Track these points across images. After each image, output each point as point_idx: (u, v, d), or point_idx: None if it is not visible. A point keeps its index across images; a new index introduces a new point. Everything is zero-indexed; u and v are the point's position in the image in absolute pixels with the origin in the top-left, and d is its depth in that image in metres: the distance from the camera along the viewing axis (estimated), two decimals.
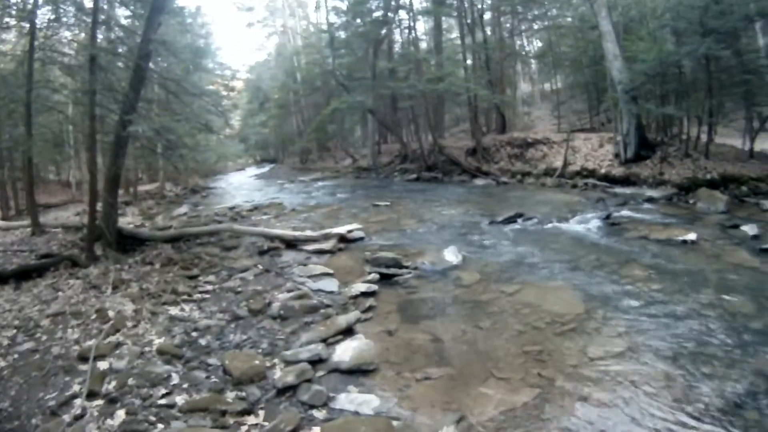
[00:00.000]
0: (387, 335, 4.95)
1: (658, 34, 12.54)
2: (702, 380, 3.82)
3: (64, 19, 10.55)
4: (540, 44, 26.35)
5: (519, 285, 5.97)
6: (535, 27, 24.94)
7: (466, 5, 19.70)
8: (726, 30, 11.06)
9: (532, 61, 28.27)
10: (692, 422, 3.33)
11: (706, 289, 5.60)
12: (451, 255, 7.20)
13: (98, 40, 8.96)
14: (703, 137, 12.38)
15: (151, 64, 9.06)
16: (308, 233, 8.64)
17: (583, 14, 18.44)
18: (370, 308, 5.62)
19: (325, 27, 22.61)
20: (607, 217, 8.95)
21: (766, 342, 4.38)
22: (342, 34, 21.75)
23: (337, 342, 4.72)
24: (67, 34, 12.18)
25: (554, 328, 4.76)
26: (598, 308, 5.14)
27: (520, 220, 9.29)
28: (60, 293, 6.31)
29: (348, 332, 4.95)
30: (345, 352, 4.45)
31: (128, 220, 12.21)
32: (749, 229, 7.83)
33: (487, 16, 22.82)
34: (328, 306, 5.67)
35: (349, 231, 8.63)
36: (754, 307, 5.13)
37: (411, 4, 20.33)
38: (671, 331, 4.62)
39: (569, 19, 21.47)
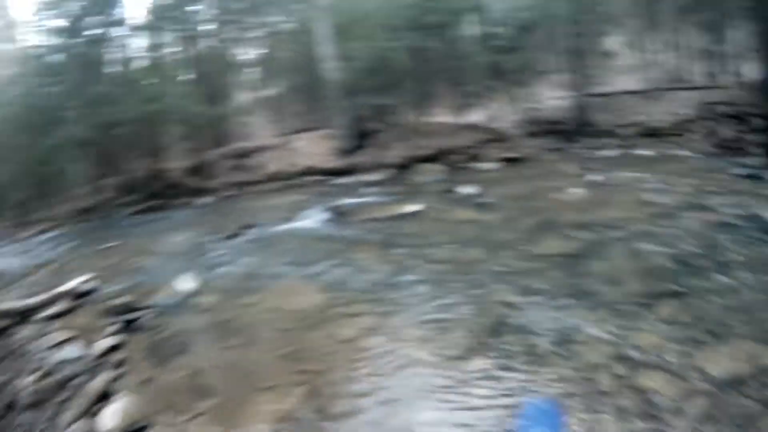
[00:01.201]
0: (147, 385, 4.49)
1: (373, 32, 13.43)
2: (451, 329, 4.34)
3: None
4: (260, 51, 26.04)
5: (259, 294, 5.88)
6: (254, 35, 24.48)
7: (186, 17, 18.92)
8: (436, 24, 12.15)
9: (252, 68, 27.85)
10: (448, 365, 3.83)
11: (437, 249, 6.27)
12: (187, 282, 6.76)
13: None
14: (418, 119, 13.40)
15: None
16: (39, 298, 7.30)
17: (302, 18, 18.73)
18: (121, 362, 5.01)
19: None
20: (335, 208, 8.81)
21: (499, 278, 5.30)
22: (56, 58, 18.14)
23: (100, 410, 4.12)
24: None
25: (302, 324, 4.81)
26: (339, 294, 5.33)
27: (250, 230, 8.95)
28: None
29: (106, 396, 4.34)
30: (111, 419, 3.92)
31: None
32: (465, 189, 9.17)
33: (208, 27, 21.77)
34: (78, 375, 4.88)
35: (81, 283, 7.51)
36: (483, 251, 6.07)
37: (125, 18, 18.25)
38: (412, 293, 5.07)
39: (289, 25, 21.69)
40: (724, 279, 5.50)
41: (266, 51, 23.59)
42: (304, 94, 21.17)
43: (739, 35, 21.14)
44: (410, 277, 5.47)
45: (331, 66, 13.15)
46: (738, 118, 14.75)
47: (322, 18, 13.48)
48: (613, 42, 24.33)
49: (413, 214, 7.70)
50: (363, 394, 3.59)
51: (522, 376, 3.74)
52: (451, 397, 3.53)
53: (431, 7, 12.19)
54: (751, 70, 18.96)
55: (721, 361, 4.06)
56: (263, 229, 9.03)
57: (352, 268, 5.92)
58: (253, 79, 30.20)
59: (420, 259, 5.96)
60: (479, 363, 3.89)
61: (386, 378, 3.74)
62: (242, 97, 28.70)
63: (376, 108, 14.58)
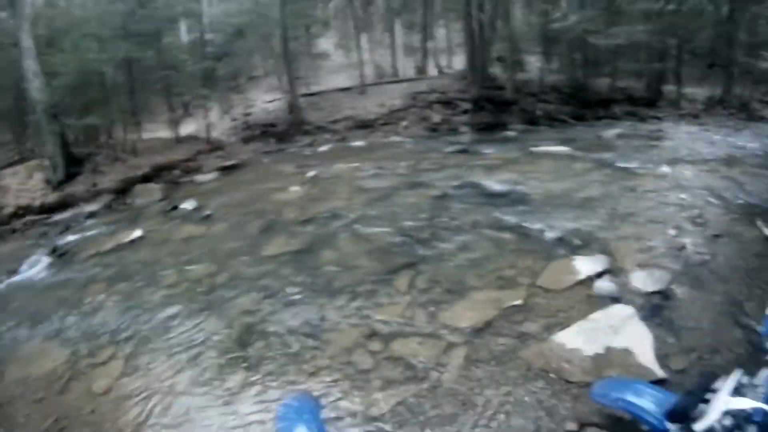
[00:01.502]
0: None
1: (81, 43, 11.90)
2: (202, 351, 4.33)
3: None
4: None
5: (2, 366, 4.91)
6: None
7: None
8: (149, 32, 11.34)
9: None
10: (207, 389, 3.84)
11: (169, 270, 6.14)
12: None
13: None
14: (132, 137, 12.66)
15: None
16: None
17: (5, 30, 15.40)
18: None
19: None
20: (54, 250, 7.90)
21: (236, 287, 5.42)
22: None
23: None
24: None
25: (55, 389, 4.26)
26: (82, 344, 4.84)
27: None
28: None
29: None
30: None
31: None
32: (188, 204, 8.93)
33: None
34: None
35: None
36: (214, 264, 6.12)
37: None
38: (154, 324, 4.93)
39: None
40: (450, 242, 6.03)
41: None
42: (8, 120, 17.95)
43: (445, 32, 24.98)
44: (148, 308, 5.25)
45: (36, 84, 11.45)
46: (447, 103, 17.10)
47: (26, 29, 11.56)
48: (325, 43, 26.32)
49: (139, 239, 7.37)
50: None
51: (282, 378, 3.82)
52: (217, 419, 3.50)
53: (144, 14, 11.49)
54: (458, 62, 22.30)
55: (465, 314, 4.45)
56: None
57: (87, 313, 5.42)
58: None
59: (153, 286, 5.74)
60: (237, 378, 3.88)
61: (153, 418, 3.60)
62: None
63: (85, 129, 13.16)
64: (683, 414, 1.78)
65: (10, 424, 3.98)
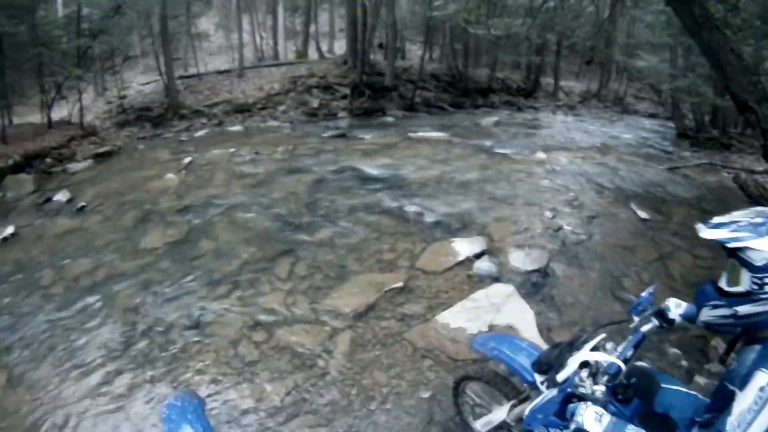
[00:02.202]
0: None
1: None
2: (82, 354, 4.15)
3: None
4: None
5: None
6: None
7: None
8: (22, 4, 10.44)
9: None
10: (93, 394, 3.66)
11: (44, 271, 5.89)
12: None
13: None
14: (1, 122, 11.77)
15: None
16: None
17: None
18: None
19: None
20: None
21: (114, 283, 5.24)
22: None
23: None
24: None
25: None
26: None
27: None
28: None
29: None
30: None
31: None
32: (62, 196, 8.55)
33: None
34: None
35: None
36: (90, 260, 5.92)
37: None
38: (32, 331, 4.66)
39: None
40: (329, 227, 6.02)
41: None
42: None
43: (328, 17, 24.80)
44: (26, 312, 5.01)
45: None
46: (326, 88, 17.53)
47: None
48: (206, 23, 25.16)
49: (11, 236, 7.01)
50: None
51: (168, 377, 3.72)
52: (115, 424, 3.37)
53: None
54: (339, 48, 22.02)
55: (347, 299, 4.45)
56: None
57: None
58: None
59: (28, 289, 5.47)
60: (123, 380, 3.77)
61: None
62: None
63: None
64: (547, 365, 1.99)
65: None
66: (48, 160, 10.84)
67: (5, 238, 7.05)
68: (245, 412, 3.33)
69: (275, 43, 22.69)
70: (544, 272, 4.68)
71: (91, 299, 5.06)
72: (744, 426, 1.37)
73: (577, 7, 19.95)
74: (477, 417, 2.73)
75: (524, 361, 2.33)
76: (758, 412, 1.35)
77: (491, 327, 3.78)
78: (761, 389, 1.37)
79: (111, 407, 3.51)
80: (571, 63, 25.50)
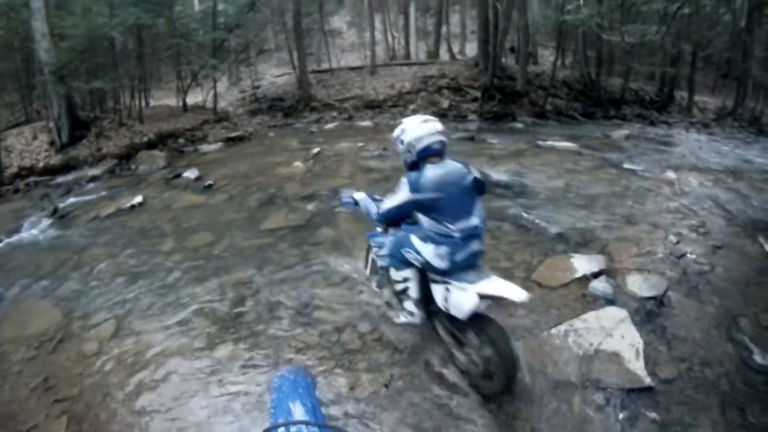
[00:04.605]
0: None
1: (92, 6, 11.74)
2: (194, 320, 4.28)
3: None
4: None
5: None
6: None
7: None
8: (160, 0, 11.31)
9: None
10: (198, 357, 3.79)
11: (166, 239, 6.12)
12: None
13: None
14: (139, 103, 12.68)
15: None
16: None
17: None
18: None
19: None
20: (54, 211, 7.92)
21: (232, 259, 5.40)
22: None
23: None
24: None
25: (46, 348, 4.24)
26: (76, 306, 4.83)
27: None
28: None
29: None
30: None
31: None
32: (191, 173, 8.90)
33: None
34: None
35: None
36: (212, 234, 6.08)
37: None
38: (148, 290, 4.88)
39: None
40: None
41: None
42: (16, 81, 17.80)
43: (460, 18, 24.69)
44: (144, 273, 5.21)
45: (44, 45, 11.31)
46: (457, 89, 17.07)
47: None
48: (338, 21, 25.97)
49: (139, 205, 7.36)
50: (123, 404, 3.39)
51: (271, 351, 3.79)
52: (208, 388, 3.43)
53: None
54: (470, 50, 21.95)
55: None
56: None
57: (84, 276, 5.37)
58: None
59: (149, 253, 5.68)
60: (227, 348, 3.86)
61: (141, 386, 3.53)
62: None
63: (92, 93, 13.12)
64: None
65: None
66: (181, 140, 11.32)
67: (133, 206, 7.39)
68: (340, 396, 3.32)
69: (407, 43, 22.66)
70: (660, 301, 4.40)
71: (206, 269, 5.21)
72: None
73: (713, 14, 18.48)
74: None
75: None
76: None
77: (596, 351, 3.61)
78: None
79: (208, 370, 3.62)
80: (706, 76, 22.97)
